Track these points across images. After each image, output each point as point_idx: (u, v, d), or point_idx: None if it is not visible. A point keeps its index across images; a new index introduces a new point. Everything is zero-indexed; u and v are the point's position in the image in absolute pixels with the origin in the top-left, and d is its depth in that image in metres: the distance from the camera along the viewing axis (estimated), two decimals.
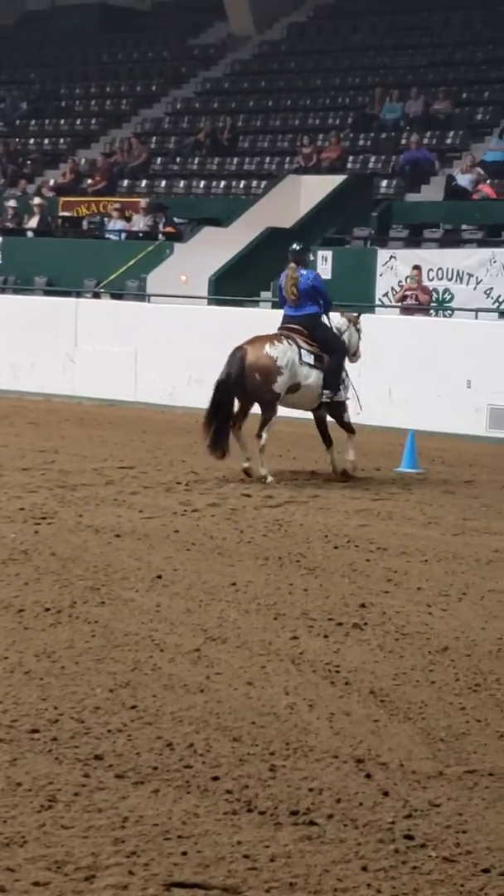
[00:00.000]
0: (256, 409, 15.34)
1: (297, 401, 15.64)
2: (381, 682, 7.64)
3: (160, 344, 23.78)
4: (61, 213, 32.24)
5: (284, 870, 5.18)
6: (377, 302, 25.02)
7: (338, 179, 29.83)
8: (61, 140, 38.34)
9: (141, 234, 29.59)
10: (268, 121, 35.46)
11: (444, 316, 23.92)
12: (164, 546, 11.28)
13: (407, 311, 23.68)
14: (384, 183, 30.72)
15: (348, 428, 15.76)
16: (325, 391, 15.40)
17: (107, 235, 30.58)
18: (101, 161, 34.49)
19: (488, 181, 28.14)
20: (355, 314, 16.55)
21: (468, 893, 5.05)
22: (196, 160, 34.48)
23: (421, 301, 23.80)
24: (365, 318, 22.14)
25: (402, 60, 35.46)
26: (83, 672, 7.63)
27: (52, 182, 34.67)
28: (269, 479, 14.94)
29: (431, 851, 5.39)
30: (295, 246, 15.96)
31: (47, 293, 28.26)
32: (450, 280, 24.65)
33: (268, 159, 33.82)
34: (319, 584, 10.11)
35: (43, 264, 29.29)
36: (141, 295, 26.85)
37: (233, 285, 26.61)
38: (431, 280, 24.62)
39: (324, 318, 15.66)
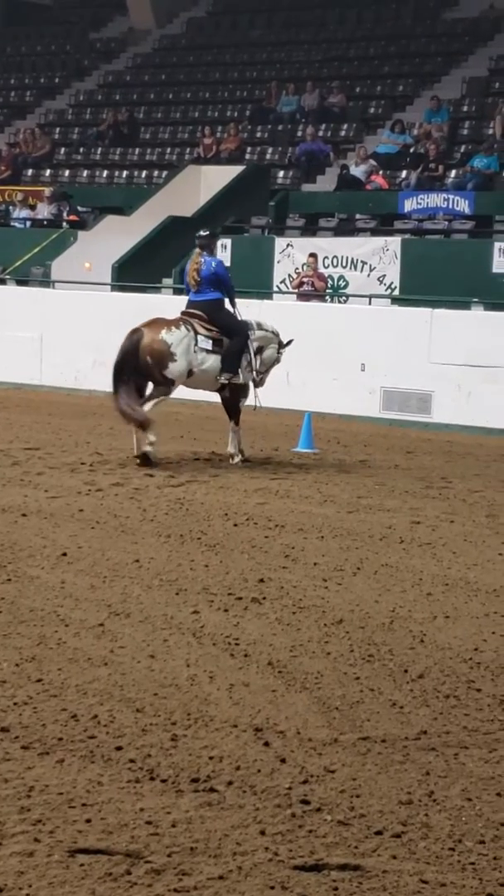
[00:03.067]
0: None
1: (196, 384, 15.54)
2: (279, 653, 7.73)
3: (65, 329, 23.71)
4: None
5: (185, 835, 5.24)
6: (275, 288, 25.24)
7: (236, 170, 29.98)
8: None
9: (45, 223, 29.64)
10: (168, 112, 35.59)
11: (339, 302, 24.12)
12: (69, 525, 11.30)
13: (303, 297, 23.89)
14: (281, 173, 30.99)
15: (235, 415, 15.52)
16: (224, 373, 15.28)
17: (12, 223, 30.58)
18: (5, 150, 34.39)
19: (381, 172, 28.48)
20: (287, 340, 16.06)
21: (362, 855, 5.13)
22: (99, 150, 34.53)
23: (317, 288, 24.02)
24: (263, 304, 22.50)
25: (297, 55, 35.71)
26: None
27: None
28: (151, 449, 14.74)
29: (327, 815, 5.48)
30: (201, 232, 15.86)
31: None
32: (344, 267, 24.89)
33: (168, 150, 33.89)
34: (220, 561, 10.17)
35: None
36: (46, 281, 26.79)
37: (135, 272, 26.69)
38: (327, 267, 24.85)
39: (226, 304, 15.47)
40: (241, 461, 15.38)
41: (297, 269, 24.92)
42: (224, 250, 26.40)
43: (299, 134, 31.74)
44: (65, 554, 10.16)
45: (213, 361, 15.22)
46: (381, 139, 30.48)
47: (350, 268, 24.84)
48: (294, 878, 4.96)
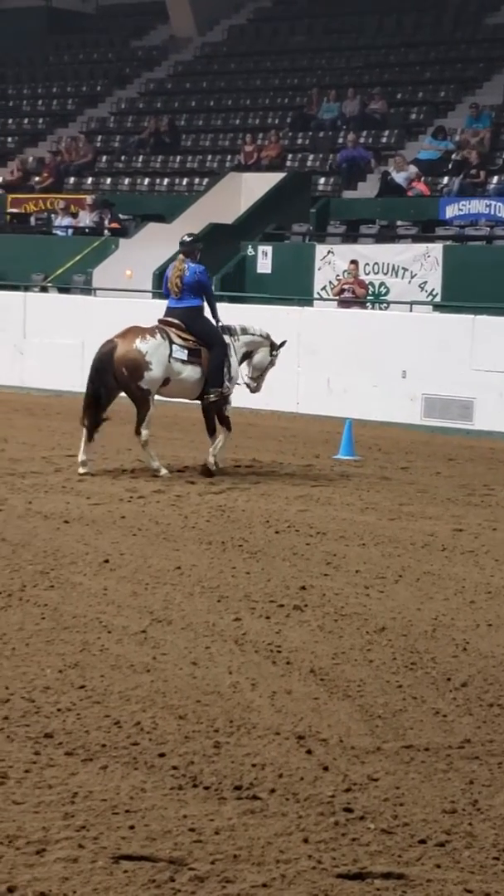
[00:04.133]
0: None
1: (173, 393, 15.11)
2: (321, 661, 7.74)
3: (105, 336, 23.77)
4: (9, 210, 32.40)
5: (229, 842, 5.24)
6: (315, 295, 25.24)
7: (277, 177, 30.00)
8: (9, 139, 38.42)
9: (87, 230, 29.75)
10: (209, 120, 35.65)
11: (380, 309, 24.15)
12: (111, 531, 11.35)
13: (344, 304, 23.89)
14: (322, 180, 30.98)
15: (225, 423, 15.14)
16: (212, 390, 14.85)
17: (54, 231, 30.73)
18: (48, 159, 34.56)
19: (422, 178, 28.44)
20: (280, 342, 15.79)
21: (406, 864, 5.12)
22: (140, 158, 34.62)
23: (358, 294, 24.01)
24: (304, 311, 22.51)
25: (338, 62, 35.70)
26: (33, 653, 7.69)
27: (0, 180, 34.74)
28: (164, 472, 14.51)
29: (370, 823, 5.48)
30: (185, 237, 15.57)
31: None
32: (385, 274, 24.89)
33: (209, 157, 33.93)
34: (261, 568, 10.19)
35: None
36: (87, 289, 26.90)
37: None
38: (368, 274, 24.85)
39: (206, 312, 15.07)
40: (215, 466, 14.86)
41: (337, 275, 24.93)
42: (265, 257, 26.49)
43: (340, 141, 31.72)
44: (107, 560, 10.21)
45: (190, 371, 14.81)
46: (423, 145, 30.44)
47: (391, 274, 24.84)
48: (337, 887, 4.96)
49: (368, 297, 24.39)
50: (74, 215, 30.57)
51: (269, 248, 26.60)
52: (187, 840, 5.27)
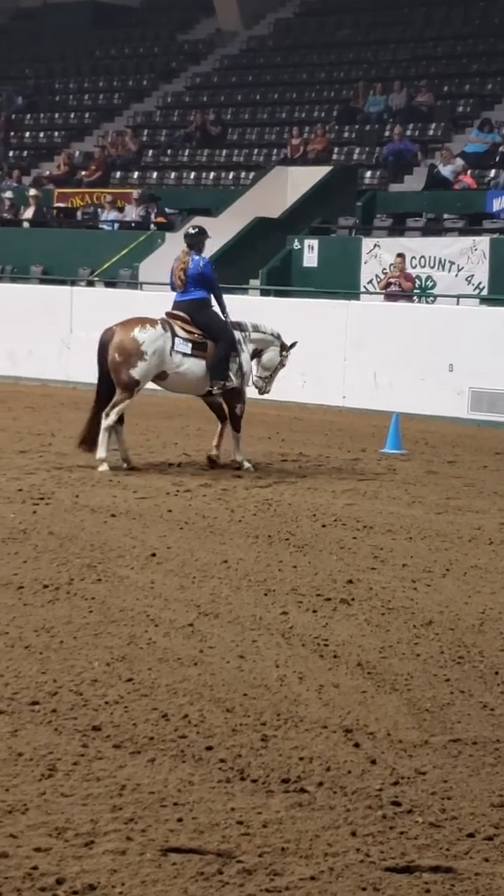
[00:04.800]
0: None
1: (175, 387, 14.88)
2: (369, 654, 7.71)
3: None
4: (56, 204, 32.52)
5: (276, 835, 5.24)
6: (362, 289, 25.22)
7: (323, 170, 29.95)
8: (55, 133, 38.63)
9: (133, 224, 29.82)
10: (255, 114, 35.69)
11: (427, 302, 24.06)
12: (158, 525, 11.35)
13: (391, 297, 23.85)
14: (368, 173, 30.97)
15: (236, 424, 14.81)
16: (214, 382, 14.62)
17: (100, 225, 30.82)
18: (96, 153, 34.62)
19: (469, 171, 28.34)
20: (291, 342, 15.48)
21: (454, 857, 5.10)
22: (186, 152, 34.70)
23: (404, 288, 23.96)
24: (350, 305, 22.47)
25: (385, 55, 35.67)
26: (81, 646, 7.68)
27: (47, 174, 34.88)
28: (103, 466, 14.14)
29: (418, 817, 5.46)
30: (190, 229, 15.35)
31: (43, 282, 28.42)
32: (432, 267, 24.81)
33: (255, 151, 33.98)
34: (308, 561, 10.16)
35: (39, 254, 29.49)
36: (133, 283, 26.95)
37: (222, 273, 26.54)
38: (414, 267, 24.78)
39: (213, 305, 14.80)
40: (251, 466, 14.65)
41: (384, 269, 24.88)
42: (311, 251, 26.46)
43: (387, 134, 31.68)
44: (154, 554, 10.21)
45: (192, 365, 14.56)
46: (469, 138, 30.36)
47: (438, 268, 24.76)
48: (386, 880, 4.95)
49: (415, 291, 24.34)
50: (121, 209, 30.66)
51: (315, 242, 26.57)
52: (235, 833, 5.27)
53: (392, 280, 24.11)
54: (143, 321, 14.52)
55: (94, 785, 5.71)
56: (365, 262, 25.57)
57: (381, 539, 11.18)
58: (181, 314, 14.72)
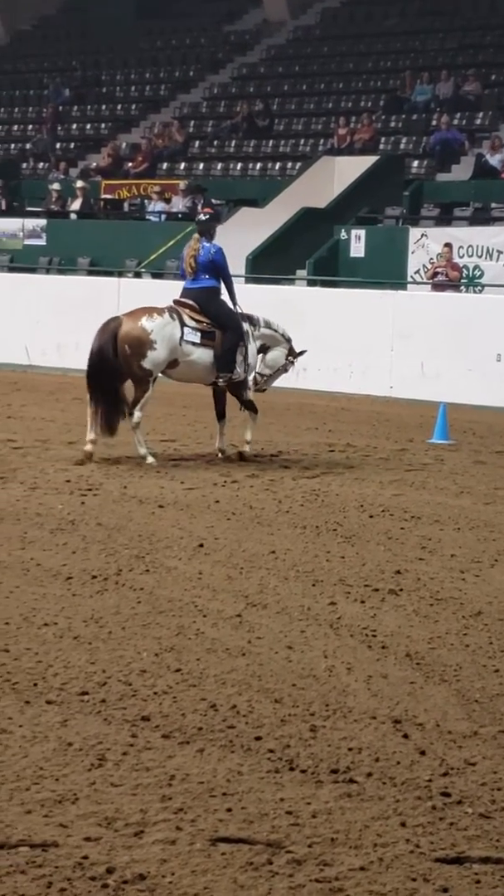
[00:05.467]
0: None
1: (184, 376, 14.59)
2: (417, 645, 7.70)
3: None
4: (103, 196, 32.62)
5: (326, 826, 5.24)
6: (409, 279, 25.18)
7: (370, 160, 29.93)
8: (102, 125, 38.73)
9: (180, 216, 29.84)
10: (302, 104, 35.66)
11: (474, 292, 24.01)
12: (206, 516, 11.37)
13: (438, 287, 23.80)
14: (415, 163, 30.92)
15: (249, 406, 14.76)
16: (221, 374, 14.38)
17: (147, 217, 30.91)
18: (142, 144, 34.70)
19: None
20: (300, 350, 15.22)
21: None
22: (233, 143, 34.72)
23: (451, 278, 23.90)
24: (397, 295, 22.40)
25: (432, 43, 35.57)
26: (130, 637, 7.70)
27: (94, 165, 34.98)
28: (150, 459, 14.04)
29: (468, 808, 5.44)
30: (201, 216, 15.05)
31: (90, 273, 28.51)
32: (479, 257, 24.74)
33: (302, 141, 33.95)
34: (356, 552, 10.15)
35: (86, 245, 29.60)
36: (180, 274, 26.92)
37: (269, 264, 26.73)
38: (462, 257, 24.73)
39: (222, 294, 14.52)
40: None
41: (431, 259, 24.83)
42: (358, 241, 26.41)
43: (434, 123, 31.59)
44: (202, 545, 10.22)
45: (201, 354, 14.28)
46: None
47: (485, 257, 24.68)
48: (436, 871, 4.94)
49: (462, 281, 24.26)
50: (167, 201, 30.71)
51: (362, 232, 26.52)
52: (284, 823, 5.27)
53: (439, 270, 24.07)
54: (149, 310, 14.24)
55: (144, 775, 5.72)
56: (412, 252, 25.54)
57: (428, 529, 11.13)
58: (190, 302, 14.45)
